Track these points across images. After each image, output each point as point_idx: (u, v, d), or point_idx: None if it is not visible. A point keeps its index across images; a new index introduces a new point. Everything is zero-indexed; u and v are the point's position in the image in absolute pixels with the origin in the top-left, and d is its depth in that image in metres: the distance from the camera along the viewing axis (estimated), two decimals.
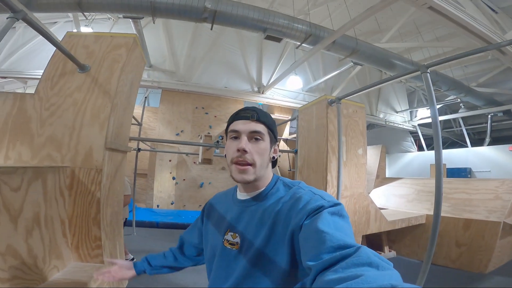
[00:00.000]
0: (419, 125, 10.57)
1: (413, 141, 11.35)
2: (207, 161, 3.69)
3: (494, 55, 4.75)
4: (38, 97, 1.75)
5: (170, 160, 6.30)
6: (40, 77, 1.82)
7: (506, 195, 3.48)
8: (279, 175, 1.02)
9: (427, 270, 2.01)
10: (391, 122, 10.00)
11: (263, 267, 0.59)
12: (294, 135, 7.06)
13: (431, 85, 2.06)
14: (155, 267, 0.92)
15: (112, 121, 1.78)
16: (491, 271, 3.09)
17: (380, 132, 11.31)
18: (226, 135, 0.73)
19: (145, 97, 4.89)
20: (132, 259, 2.98)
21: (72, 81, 1.80)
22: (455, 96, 8.48)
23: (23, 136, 1.67)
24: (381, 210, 3.48)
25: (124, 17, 3.93)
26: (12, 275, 1.02)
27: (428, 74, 2.04)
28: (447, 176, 7.45)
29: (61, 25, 5.34)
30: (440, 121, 10.62)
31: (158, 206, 5.93)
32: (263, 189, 0.69)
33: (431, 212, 3.86)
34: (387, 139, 10.84)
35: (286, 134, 8.91)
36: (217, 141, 2.79)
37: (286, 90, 7.94)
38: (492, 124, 8.86)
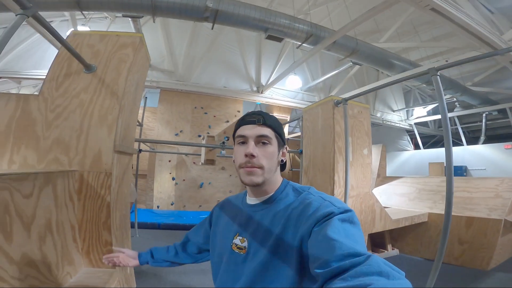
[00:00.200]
0: (415, 123, 10.69)
1: (409, 139, 11.48)
2: (210, 161, 3.66)
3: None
4: (42, 98, 1.69)
5: (169, 161, 6.24)
6: (36, 77, 1.77)
7: (506, 193, 3.54)
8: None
9: (439, 268, 2.01)
10: (388, 121, 10.09)
11: (270, 272, 0.58)
12: (295, 134, 7.06)
13: (441, 87, 2.08)
14: (157, 259, 0.98)
15: (120, 123, 1.74)
16: (493, 268, 3.13)
17: (377, 131, 11.40)
18: (234, 140, 0.73)
19: (145, 97, 4.82)
20: None
21: (78, 81, 1.75)
22: (450, 96, 8.61)
23: (28, 139, 1.61)
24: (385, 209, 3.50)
25: (124, 16, 3.86)
26: (29, 284, 0.98)
27: (438, 77, 2.06)
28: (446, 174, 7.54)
29: (57, 24, 5.21)
30: (435, 120, 10.81)
31: (158, 207, 5.87)
32: (272, 193, 0.69)
33: (433, 211, 3.93)
34: (384, 137, 10.93)
35: (285, 133, 8.92)
36: (223, 142, 2.75)
37: (285, 90, 7.93)
38: (487, 122, 9.02)
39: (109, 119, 1.70)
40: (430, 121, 11.28)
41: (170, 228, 4.29)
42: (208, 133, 6.79)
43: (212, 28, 4.30)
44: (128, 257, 1.00)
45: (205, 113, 6.93)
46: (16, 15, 1.12)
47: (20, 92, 6.03)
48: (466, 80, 8.07)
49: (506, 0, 5.18)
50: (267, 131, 0.67)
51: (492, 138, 9.26)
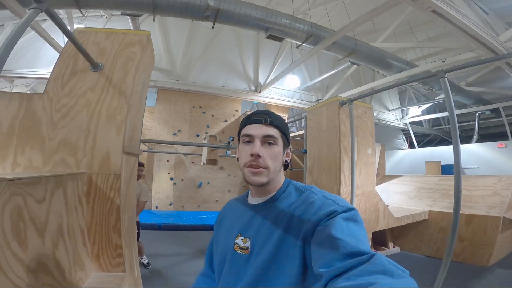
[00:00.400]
0: (410, 123, 10.84)
1: (404, 138, 11.64)
2: (212, 162, 3.62)
3: (487, 56, 4.89)
4: (47, 98, 1.63)
5: (168, 161, 6.16)
6: (29, 76, 1.71)
7: (504, 191, 3.61)
8: None
9: (448, 266, 2.03)
10: (383, 120, 10.21)
11: (273, 272, 0.58)
12: (294, 134, 7.06)
13: (449, 88, 2.10)
14: None
15: (128, 123, 1.69)
16: (493, 264, 3.19)
17: None
18: (239, 139, 0.73)
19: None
20: (148, 264, 2.87)
21: (84, 80, 1.69)
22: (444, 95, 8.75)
23: (33, 140, 1.55)
24: None
25: (123, 14, 3.78)
26: None
27: (446, 79, 2.08)
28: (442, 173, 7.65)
29: (52, 23, 5.04)
30: (429, 119, 10.98)
31: (157, 207, 5.79)
32: (274, 193, 0.69)
33: (433, 208, 3.98)
34: (379, 136, 11.04)
35: None
36: (228, 142, 2.72)
37: (283, 89, 7.93)
38: (480, 122, 9.20)
39: (117, 119, 1.65)
40: (424, 120, 11.47)
41: (170, 228, 4.24)
42: (206, 132, 6.74)
43: (212, 27, 4.26)
44: None
45: (203, 112, 6.87)
46: (28, 9, 1.07)
47: (13, 91, 5.87)
48: (460, 80, 8.22)
49: (500, 1, 5.30)
50: (273, 131, 0.66)
51: (485, 137, 9.46)
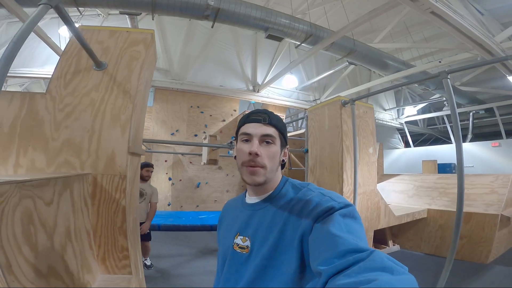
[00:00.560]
0: (405, 122, 10.96)
1: (400, 137, 11.76)
2: (212, 161, 3.60)
3: (483, 56, 4.96)
4: (50, 97, 1.59)
5: (166, 161, 6.11)
6: (23, 75, 1.67)
7: (501, 189, 3.67)
8: None
9: (451, 264, 2.05)
10: (379, 120, 10.29)
11: (272, 270, 0.58)
12: (293, 133, 7.07)
13: (451, 89, 2.13)
14: None
15: (133, 123, 1.66)
16: (492, 261, 3.24)
17: None
18: (237, 138, 0.74)
19: None
20: (151, 265, 2.84)
21: (88, 79, 1.65)
22: (440, 95, 8.86)
23: (36, 141, 1.52)
24: None
25: (121, 13, 3.72)
26: None
27: (448, 80, 2.10)
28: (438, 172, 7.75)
29: (47, 22, 4.97)
30: (424, 118, 11.11)
31: None
32: (271, 191, 0.69)
33: (432, 207, 4.02)
34: (376, 136, 11.14)
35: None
36: (230, 142, 2.70)
37: (280, 89, 7.93)
38: (474, 121, 9.35)
39: (122, 119, 1.62)
40: (420, 119, 11.61)
41: (170, 229, 4.20)
42: (205, 132, 6.70)
43: (212, 27, 4.23)
44: None
45: (201, 112, 6.82)
46: (38, 5, 1.04)
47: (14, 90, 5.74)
48: (455, 80, 8.33)
49: (495, 2, 5.38)
50: (271, 131, 0.67)
51: (479, 136, 9.61)
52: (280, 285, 0.56)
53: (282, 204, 0.64)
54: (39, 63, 5.06)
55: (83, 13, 4.50)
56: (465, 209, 3.64)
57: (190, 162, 6.49)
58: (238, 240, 0.67)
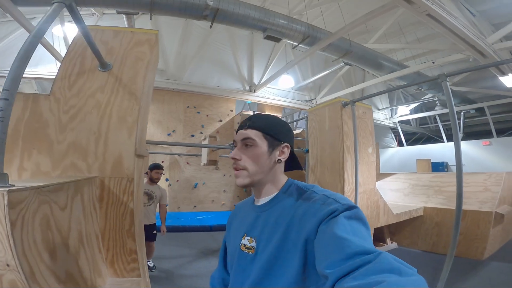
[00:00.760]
0: (399, 121, 11.14)
1: (393, 137, 11.94)
2: (212, 162, 3.59)
3: (475, 57, 5.09)
4: (54, 99, 1.56)
5: (162, 161, 6.04)
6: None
7: (494, 187, 3.77)
8: None
9: (451, 261, 2.10)
10: (374, 119, 10.41)
11: (275, 271, 0.59)
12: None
13: (450, 91, 2.18)
14: None
15: (139, 125, 1.65)
16: (487, 258, 3.33)
17: None
18: None
19: None
20: (153, 267, 2.81)
21: (93, 80, 1.63)
22: (432, 95, 9.05)
23: (40, 144, 1.49)
24: None
25: (118, 12, 3.67)
26: None
27: (447, 83, 2.16)
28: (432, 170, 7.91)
29: (39, 19, 4.82)
30: (417, 118, 11.30)
31: None
32: (276, 194, 0.70)
33: (428, 205, 4.11)
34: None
35: None
36: (232, 143, 2.70)
37: (277, 89, 7.96)
38: (465, 120, 9.58)
39: (129, 121, 1.60)
40: (412, 119, 11.82)
41: (169, 230, 4.14)
42: (201, 132, 6.67)
43: (210, 27, 4.21)
44: None
45: (198, 112, 6.78)
46: (52, 3, 1.02)
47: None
48: None
49: (487, 3, 5.50)
50: (251, 134, 0.68)
51: (470, 135, 9.85)
52: (284, 285, 0.57)
53: (287, 206, 0.65)
54: (32, 63, 4.88)
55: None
56: None
57: (187, 163, 6.45)
58: (245, 240, 0.68)
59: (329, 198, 0.59)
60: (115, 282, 1.41)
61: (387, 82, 10.79)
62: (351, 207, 0.55)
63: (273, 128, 0.70)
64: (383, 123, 10.85)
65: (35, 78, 5.87)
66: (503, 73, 5.42)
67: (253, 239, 0.67)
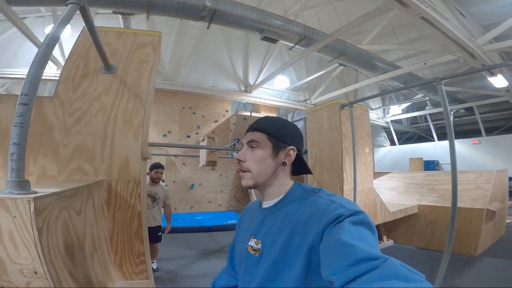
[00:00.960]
0: (391, 121, 11.35)
1: (386, 136, 12.16)
2: (212, 163, 3.59)
3: (466, 58, 5.24)
4: (58, 101, 1.54)
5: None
6: (6, 76, 1.60)
7: (485, 185, 3.89)
8: None
9: (448, 257, 2.17)
10: None
11: (279, 275, 0.60)
12: None
13: (444, 94, 2.25)
14: None
15: (145, 128, 1.65)
16: (480, 254, 3.44)
17: None
18: None
19: None
20: (156, 269, 2.80)
21: (97, 82, 1.62)
22: (423, 95, 9.26)
23: (45, 147, 1.47)
24: None
25: (114, 12, 3.63)
26: None
27: (442, 86, 2.23)
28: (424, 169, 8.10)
29: (31, 20, 4.72)
30: (408, 117, 11.53)
31: None
32: (281, 197, 0.70)
33: (422, 202, 4.21)
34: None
35: None
36: (234, 144, 2.71)
37: (272, 89, 7.99)
38: (454, 119, 9.83)
39: (134, 124, 1.60)
40: (404, 118, 12.06)
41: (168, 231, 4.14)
42: (197, 133, 6.65)
43: (207, 28, 4.21)
44: None
45: (194, 113, 6.75)
46: (67, 4, 1.02)
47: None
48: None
49: (477, 5, 5.65)
50: (256, 136, 0.70)
51: (459, 134, 10.12)
52: (288, 287, 0.57)
53: (292, 210, 0.64)
54: (23, 63, 4.81)
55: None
56: None
57: (183, 164, 6.42)
58: (252, 242, 0.69)
59: (334, 203, 0.58)
60: (126, 284, 1.41)
61: (379, 82, 11.04)
62: (357, 212, 0.54)
63: (278, 131, 0.70)
64: (376, 122, 11.03)
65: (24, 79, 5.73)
66: (492, 74, 5.60)
67: (259, 241, 0.67)
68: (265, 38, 4.46)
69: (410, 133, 12.85)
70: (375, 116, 11.11)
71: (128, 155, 1.55)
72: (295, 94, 8.91)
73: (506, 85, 6.17)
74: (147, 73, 1.72)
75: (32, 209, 0.65)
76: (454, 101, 8.99)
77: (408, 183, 4.73)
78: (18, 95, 0.93)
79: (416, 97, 9.97)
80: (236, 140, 2.91)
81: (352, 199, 2.87)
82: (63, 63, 5.16)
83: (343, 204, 0.57)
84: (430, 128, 10.72)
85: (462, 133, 10.15)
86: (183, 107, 6.64)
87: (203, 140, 3.93)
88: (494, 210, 3.63)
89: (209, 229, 4.54)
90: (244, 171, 0.68)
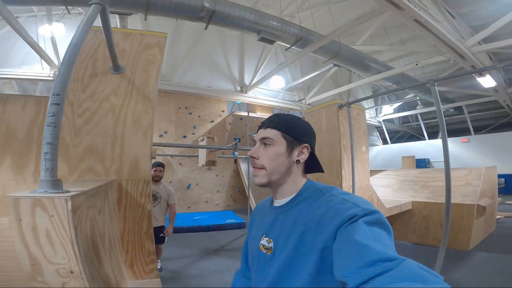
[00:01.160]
0: (383, 120, 11.58)
1: (378, 135, 12.40)
2: (211, 163, 3.61)
3: (455, 59, 5.42)
4: (67, 101, 1.54)
5: None
6: (2, 75, 1.58)
7: (475, 182, 4.04)
8: None
9: (444, 252, 2.26)
10: None
11: (290, 275, 0.59)
12: None
13: (438, 95, 2.34)
14: None
15: (153, 128, 1.67)
16: (473, 248, 3.58)
17: None
18: None
19: None
20: (160, 268, 2.79)
21: (106, 83, 1.63)
22: (414, 94, 9.49)
23: None
24: None
25: (112, 12, 3.59)
26: None
27: (436, 87, 2.32)
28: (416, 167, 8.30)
29: (24, 20, 4.61)
30: (400, 117, 11.78)
31: None
32: (294, 195, 0.68)
33: (415, 199, 4.34)
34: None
35: None
36: (235, 144, 2.74)
37: (268, 90, 8.04)
38: (444, 118, 10.10)
39: (143, 124, 1.62)
40: (395, 118, 12.32)
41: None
42: (194, 133, 6.64)
43: (205, 28, 4.22)
44: None
45: (190, 113, 6.74)
46: (89, 4, 1.03)
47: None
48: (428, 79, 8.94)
49: (466, 6, 5.82)
50: (269, 133, 0.68)
51: (449, 132, 10.39)
52: (300, 286, 0.58)
53: (304, 209, 0.64)
54: (15, 63, 4.71)
55: (63, 12, 4.25)
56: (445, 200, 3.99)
57: (180, 164, 6.40)
58: (264, 241, 0.68)
59: (347, 202, 0.56)
60: (137, 283, 1.43)
61: (372, 82, 11.25)
62: (372, 212, 0.52)
63: (293, 128, 0.69)
64: (368, 122, 11.23)
65: (16, 79, 5.61)
66: (481, 74, 5.79)
67: (271, 239, 0.67)
68: (262, 39, 4.51)
69: (402, 132, 13.13)
70: (368, 115, 11.29)
71: (138, 155, 1.56)
72: (290, 94, 9.00)
73: (494, 85, 6.40)
74: (154, 73, 1.74)
75: (69, 207, 0.67)
76: (444, 101, 9.25)
77: (401, 181, 4.86)
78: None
79: (407, 96, 10.21)
80: (238, 140, 2.94)
81: None
82: (57, 63, 5.10)
83: (357, 203, 0.55)
84: (421, 127, 10.99)
85: (451, 132, 10.44)
86: (179, 107, 6.62)
87: (202, 140, 3.95)
88: (485, 206, 3.77)
89: (207, 228, 4.56)
90: (258, 168, 0.67)
